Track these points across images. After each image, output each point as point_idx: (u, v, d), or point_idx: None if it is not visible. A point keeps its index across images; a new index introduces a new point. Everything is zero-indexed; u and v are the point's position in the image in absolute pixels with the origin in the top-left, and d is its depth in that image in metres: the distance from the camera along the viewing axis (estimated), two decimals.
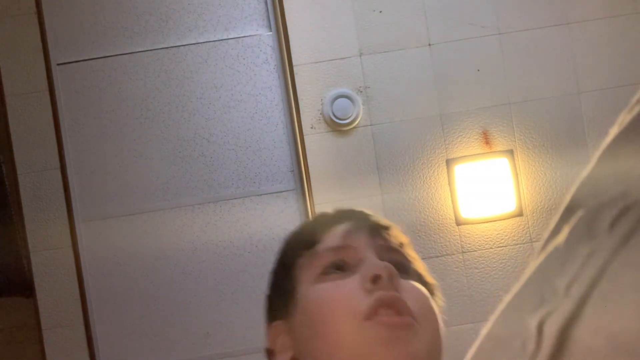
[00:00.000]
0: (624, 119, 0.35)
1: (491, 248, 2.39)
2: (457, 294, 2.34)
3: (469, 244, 2.38)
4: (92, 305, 2.37)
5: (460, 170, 2.37)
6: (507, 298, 0.35)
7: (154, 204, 2.40)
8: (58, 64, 2.42)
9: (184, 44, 2.45)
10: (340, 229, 0.88)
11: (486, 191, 2.37)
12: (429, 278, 0.90)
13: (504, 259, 2.39)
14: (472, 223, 2.38)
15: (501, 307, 0.35)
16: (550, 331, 0.31)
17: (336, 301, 0.81)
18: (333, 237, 0.87)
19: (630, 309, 0.29)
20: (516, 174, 2.39)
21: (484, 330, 0.35)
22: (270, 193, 2.41)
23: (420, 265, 0.90)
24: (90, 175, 2.42)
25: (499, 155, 2.39)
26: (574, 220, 0.34)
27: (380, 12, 2.42)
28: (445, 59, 2.41)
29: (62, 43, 2.44)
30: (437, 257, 2.36)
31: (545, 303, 0.32)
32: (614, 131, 0.35)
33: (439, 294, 0.92)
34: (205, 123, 2.43)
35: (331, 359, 0.79)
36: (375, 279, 0.80)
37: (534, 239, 2.39)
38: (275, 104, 2.44)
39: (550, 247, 0.34)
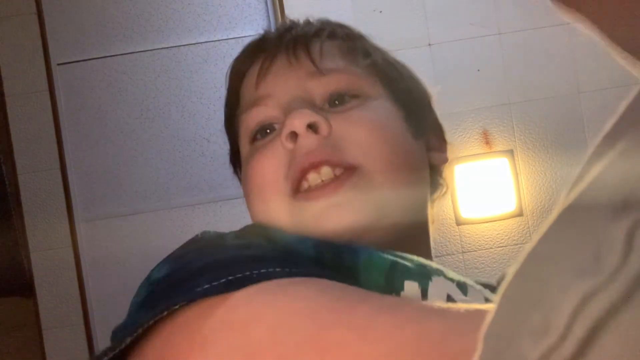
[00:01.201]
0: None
1: (491, 248, 2.39)
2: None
3: (469, 244, 2.38)
4: (92, 305, 2.37)
5: (460, 170, 2.37)
6: (564, 206, 0.26)
7: (153, 204, 2.40)
8: (58, 64, 2.42)
9: (184, 44, 2.45)
10: (253, 72, 0.73)
11: (486, 191, 2.37)
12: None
13: (504, 259, 2.39)
14: (472, 223, 2.38)
15: (555, 217, 0.26)
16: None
17: (260, 180, 0.70)
18: (250, 87, 0.73)
19: None
20: (516, 174, 2.39)
21: (527, 249, 0.26)
22: None
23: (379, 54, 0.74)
24: (90, 175, 2.42)
25: (499, 155, 2.39)
26: None
27: (380, 12, 2.42)
28: (445, 59, 2.41)
29: (62, 43, 2.44)
30: (437, 257, 2.35)
31: (637, 205, 0.23)
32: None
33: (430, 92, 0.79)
34: (205, 123, 2.43)
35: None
36: (290, 138, 0.66)
37: None
38: None
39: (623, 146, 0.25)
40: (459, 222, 2.37)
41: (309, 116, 0.65)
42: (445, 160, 0.78)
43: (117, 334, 0.61)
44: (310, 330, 0.48)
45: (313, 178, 0.65)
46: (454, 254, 2.38)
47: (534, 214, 2.39)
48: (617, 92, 2.38)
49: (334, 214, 0.63)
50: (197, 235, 0.69)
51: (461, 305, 0.47)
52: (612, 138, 0.26)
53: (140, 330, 0.56)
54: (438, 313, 0.47)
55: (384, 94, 0.73)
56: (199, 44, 2.45)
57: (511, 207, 2.37)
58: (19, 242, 2.36)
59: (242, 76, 0.75)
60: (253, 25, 2.46)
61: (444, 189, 0.78)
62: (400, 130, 0.70)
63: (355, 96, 0.70)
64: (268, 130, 0.70)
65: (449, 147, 0.80)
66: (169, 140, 2.43)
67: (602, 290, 0.22)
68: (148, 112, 2.43)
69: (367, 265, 0.58)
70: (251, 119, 0.71)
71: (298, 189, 0.66)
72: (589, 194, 0.25)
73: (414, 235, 0.72)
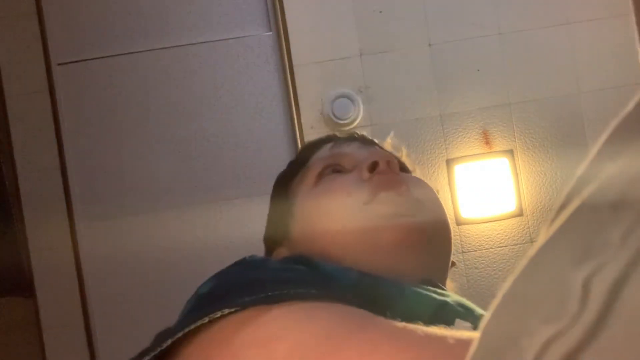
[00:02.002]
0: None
1: (491, 248, 2.39)
2: (457, 293, 2.34)
3: (469, 244, 2.38)
4: (92, 305, 2.37)
5: (460, 170, 2.37)
6: (535, 250, 0.29)
7: (154, 204, 2.40)
8: (58, 64, 2.42)
9: (184, 44, 2.45)
10: (330, 144, 0.89)
11: (486, 191, 2.37)
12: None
13: (504, 259, 2.39)
14: (472, 223, 2.38)
15: (528, 260, 0.29)
16: (600, 289, 0.26)
17: (335, 192, 0.80)
18: (324, 150, 0.88)
19: None
20: (516, 174, 2.39)
21: (504, 289, 0.30)
22: (270, 193, 2.41)
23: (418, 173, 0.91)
24: (90, 175, 2.42)
25: (499, 155, 2.39)
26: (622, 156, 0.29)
27: (380, 12, 2.42)
28: (445, 59, 2.41)
29: (62, 43, 2.44)
30: None
31: (593, 256, 0.27)
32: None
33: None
34: (205, 123, 2.43)
35: (336, 246, 0.78)
36: (373, 166, 0.80)
37: (534, 239, 2.39)
38: (275, 104, 2.44)
39: (586, 194, 0.29)
40: (459, 222, 2.37)
41: (389, 155, 0.82)
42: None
43: (159, 337, 0.66)
44: (324, 352, 0.54)
45: (384, 195, 0.79)
46: (454, 254, 2.37)
47: (534, 214, 2.39)
48: (617, 92, 2.38)
49: (400, 220, 0.76)
50: (244, 258, 0.81)
51: (464, 332, 0.54)
52: (577, 189, 0.31)
53: (180, 334, 0.61)
54: (438, 339, 0.53)
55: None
56: (199, 44, 2.45)
57: (511, 207, 2.37)
58: (19, 242, 2.36)
59: (317, 146, 0.91)
60: (253, 25, 2.46)
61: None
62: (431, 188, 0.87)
63: (408, 171, 0.87)
64: (337, 170, 0.85)
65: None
66: (169, 140, 2.43)
67: (563, 335, 0.26)
68: (148, 112, 2.43)
69: (414, 301, 0.68)
70: (325, 161, 0.85)
71: (371, 201, 0.78)
72: (557, 238, 0.29)
73: (442, 266, 0.86)
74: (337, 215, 0.79)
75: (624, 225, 0.27)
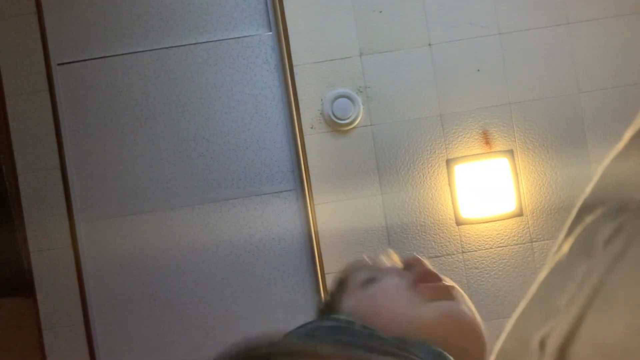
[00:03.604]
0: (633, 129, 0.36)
1: (491, 248, 2.39)
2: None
3: (469, 244, 2.38)
4: (92, 305, 2.37)
5: (460, 170, 2.37)
6: (516, 313, 0.36)
7: (154, 204, 2.40)
8: (58, 64, 2.42)
9: (184, 44, 2.45)
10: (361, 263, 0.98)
11: (486, 191, 2.37)
12: None
13: (504, 259, 2.39)
14: (472, 223, 2.38)
15: (511, 322, 0.36)
16: (551, 348, 0.32)
17: (395, 291, 0.88)
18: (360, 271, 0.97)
19: (622, 325, 0.30)
20: (516, 174, 2.39)
21: (498, 345, 0.37)
22: (270, 193, 2.41)
23: None
24: (90, 175, 2.42)
25: (499, 155, 2.39)
26: (574, 236, 0.35)
27: (380, 12, 2.42)
28: (445, 59, 2.41)
29: (62, 43, 2.44)
30: (437, 257, 2.36)
31: (547, 321, 0.33)
32: (626, 137, 0.36)
33: None
34: (205, 123, 2.43)
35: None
36: (408, 265, 0.91)
37: (534, 239, 2.39)
38: (275, 104, 2.44)
39: (553, 263, 0.36)
40: (459, 222, 2.37)
41: (430, 266, 0.90)
42: None
43: None
44: None
45: (443, 296, 0.86)
46: (454, 254, 2.38)
47: (534, 214, 2.39)
48: (617, 92, 2.38)
49: (467, 308, 0.86)
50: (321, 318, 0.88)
51: None
52: (566, 235, 0.36)
53: None
54: None
55: None
56: (199, 44, 2.45)
57: (511, 207, 2.37)
58: (19, 242, 2.36)
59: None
60: (253, 25, 2.46)
61: None
62: None
63: None
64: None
65: None
66: (169, 140, 2.43)
67: None
68: (148, 112, 2.43)
69: None
70: (364, 276, 0.95)
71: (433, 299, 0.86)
72: (529, 304, 0.36)
73: None
74: (393, 313, 0.87)
75: (568, 294, 0.33)
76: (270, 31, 2.45)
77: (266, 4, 2.45)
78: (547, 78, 2.41)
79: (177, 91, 2.44)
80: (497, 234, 2.39)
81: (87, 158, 2.42)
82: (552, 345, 0.32)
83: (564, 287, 0.33)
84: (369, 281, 0.95)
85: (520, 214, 2.38)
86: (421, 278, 0.90)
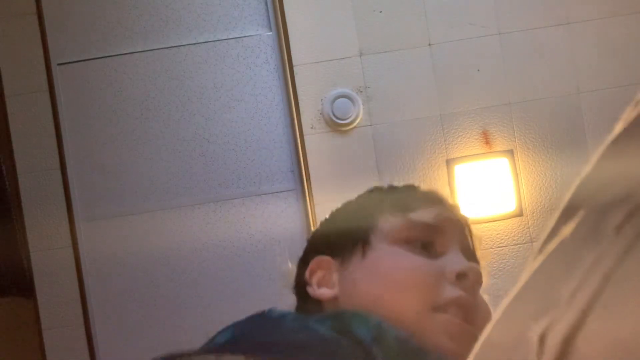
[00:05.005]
0: (629, 114, 0.34)
1: (491, 248, 2.39)
2: None
3: None
4: (92, 305, 2.37)
5: (460, 170, 2.37)
6: (507, 301, 0.34)
7: (154, 204, 2.40)
8: (58, 64, 2.42)
9: (184, 44, 2.45)
10: (437, 209, 0.87)
11: (486, 191, 2.37)
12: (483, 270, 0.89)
13: (504, 259, 2.39)
14: (472, 223, 2.37)
15: (502, 310, 0.34)
16: (553, 342, 0.30)
17: (413, 275, 0.79)
18: (429, 213, 0.85)
19: (633, 318, 0.28)
20: (516, 174, 2.39)
21: (485, 334, 0.34)
22: (270, 193, 2.41)
23: (484, 259, 0.91)
24: (90, 175, 2.42)
25: (499, 155, 2.39)
26: (576, 221, 0.32)
27: (380, 12, 2.42)
28: (445, 59, 2.41)
29: (62, 43, 2.44)
30: None
31: (547, 312, 0.31)
32: (618, 127, 0.33)
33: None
34: (205, 123, 2.43)
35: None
36: (462, 277, 0.79)
37: (534, 239, 2.39)
38: (275, 104, 2.44)
39: (551, 249, 0.32)
40: None
41: (479, 274, 0.81)
42: None
43: None
44: None
45: (452, 310, 0.77)
46: None
47: (534, 214, 2.39)
48: (617, 92, 2.38)
49: (453, 344, 0.75)
50: (263, 311, 0.79)
51: None
52: (560, 224, 0.34)
53: None
54: None
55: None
56: (199, 44, 2.45)
57: (511, 207, 2.37)
58: (19, 242, 2.36)
59: (427, 198, 0.88)
60: (253, 25, 2.46)
61: None
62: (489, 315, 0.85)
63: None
64: (425, 247, 0.83)
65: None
66: (169, 140, 2.43)
67: None
68: (148, 112, 2.43)
69: None
70: (422, 231, 0.83)
71: (440, 310, 0.77)
72: (522, 293, 0.33)
73: None
74: (403, 302, 0.78)
75: (572, 284, 0.30)
76: (270, 31, 2.45)
77: (266, 4, 2.45)
78: (547, 78, 2.41)
79: (177, 91, 2.44)
80: (497, 234, 2.39)
81: (87, 158, 2.42)
82: (554, 339, 0.30)
83: (567, 275, 0.31)
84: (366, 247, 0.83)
85: (520, 214, 2.38)
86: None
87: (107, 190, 2.41)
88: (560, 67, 2.41)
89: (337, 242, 0.86)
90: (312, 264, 0.86)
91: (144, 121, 2.43)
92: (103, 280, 2.38)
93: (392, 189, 0.92)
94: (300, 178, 2.40)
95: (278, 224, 2.38)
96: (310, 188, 2.38)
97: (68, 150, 2.40)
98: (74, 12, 2.45)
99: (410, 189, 0.92)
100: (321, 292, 0.83)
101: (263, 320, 0.77)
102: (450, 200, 0.92)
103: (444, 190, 2.38)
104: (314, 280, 0.84)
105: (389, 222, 0.83)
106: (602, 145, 0.33)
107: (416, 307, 0.77)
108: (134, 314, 2.37)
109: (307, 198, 2.38)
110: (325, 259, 0.85)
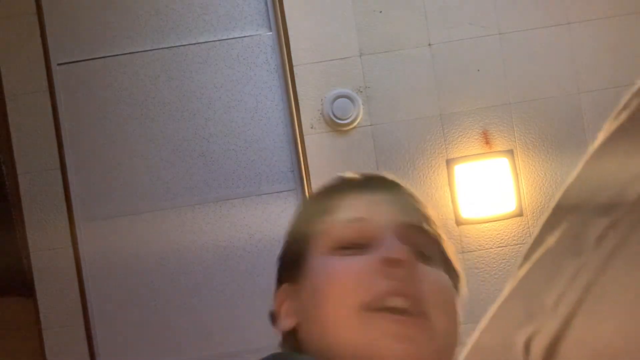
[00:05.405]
0: (609, 126, 0.36)
1: (491, 248, 2.39)
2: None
3: (469, 244, 2.38)
4: (92, 305, 2.37)
5: (460, 170, 2.37)
6: (494, 308, 0.34)
7: (154, 204, 2.40)
8: (58, 64, 2.42)
9: (184, 44, 2.45)
10: (363, 199, 0.79)
11: (486, 191, 2.37)
12: (456, 265, 0.82)
13: (504, 259, 2.39)
14: (472, 223, 2.38)
15: (488, 317, 0.34)
16: (537, 350, 0.30)
17: (340, 280, 0.73)
18: (354, 207, 0.79)
19: (613, 326, 0.29)
20: (516, 174, 2.39)
21: (473, 339, 0.34)
22: (270, 193, 2.41)
23: (450, 250, 0.82)
24: (90, 175, 2.42)
25: (499, 155, 2.39)
26: (559, 232, 0.33)
27: (380, 12, 2.42)
28: (445, 59, 2.41)
29: (62, 43, 2.44)
30: None
31: (532, 320, 0.31)
32: (600, 137, 0.34)
33: (462, 284, 0.85)
34: (205, 123, 2.43)
35: (328, 339, 0.72)
36: (392, 263, 0.72)
37: None
38: (275, 104, 2.44)
39: (535, 258, 0.34)
40: (459, 222, 2.37)
41: (410, 254, 0.73)
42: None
43: None
44: None
45: (391, 301, 0.70)
46: None
47: (534, 214, 2.39)
48: (617, 92, 2.38)
49: (401, 345, 0.69)
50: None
51: None
52: (545, 232, 0.35)
53: None
54: None
55: (442, 266, 0.79)
56: (199, 44, 2.45)
57: (511, 207, 2.37)
58: (19, 242, 2.36)
59: (345, 194, 0.81)
60: (253, 25, 2.46)
61: None
62: (455, 298, 0.79)
63: (430, 259, 0.77)
64: (354, 245, 0.76)
65: (461, 283, 0.85)
66: (169, 140, 2.43)
67: None
68: (148, 112, 2.43)
69: None
70: (346, 230, 0.76)
71: (374, 303, 0.71)
72: (509, 299, 0.34)
73: None
74: (336, 310, 0.72)
75: (556, 292, 0.31)
76: (270, 31, 2.45)
77: (266, 4, 2.46)
78: (547, 78, 2.41)
79: (177, 91, 2.44)
80: (497, 234, 2.39)
81: (87, 158, 2.42)
82: (539, 346, 0.30)
83: (550, 285, 0.31)
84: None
85: (520, 214, 2.38)
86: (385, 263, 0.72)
87: (107, 190, 2.41)
88: (560, 67, 2.41)
89: (285, 267, 0.83)
90: (277, 295, 0.82)
91: (144, 121, 2.43)
92: (103, 280, 2.38)
93: (326, 190, 0.85)
94: (300, 178, 2.40)
95: (278, 224, 2.38)
96: (310, 188, 2.38)
97: (68, 150, 2.40)
98: (74, 12, 2.45)
99: (343, 181, 0.85)
100: (284, 323, 0.79)
101: None
102: (386, 178, 0.85)
103: (444, 190, 2.38)
104: (282, 311, 0.80)
105: (320, 234, 0.78)
106: (585, 155, 0.34)
107: (345, 312, 0.71)
108: (134, 314, 2.37)
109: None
110: (284, 287, 0.82)
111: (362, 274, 0.72)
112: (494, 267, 2.38)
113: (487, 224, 2.39)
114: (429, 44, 2.42)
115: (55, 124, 2.39)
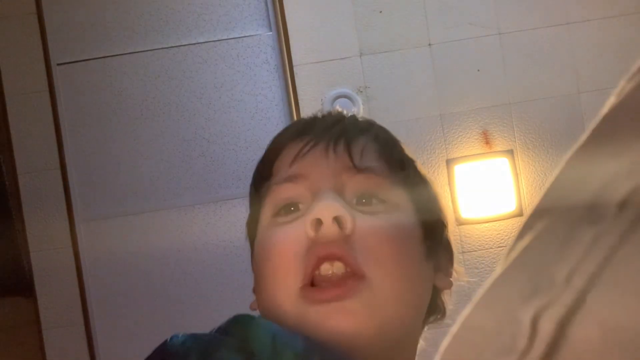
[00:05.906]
0: (623, 87, 0.32)
1: (491, 248, 2.39)
2: (457, 294, 2.34)
3: (469, 244, 2.38)
4: (92, 305, 2.37)
5: (460, 170, 2.37)
6: (490, 282, 0.31)
7: (154, 204, 2.40)
8: (58, 64, 2.42)
9: (184, 44, 2.45)
10: (293, 151, 0.73)
11: (486, 191, 2.37)
12: (441, 205, 0.77)
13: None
14: (472, 223, 2.38)
15: (484, 292, 0.31)
16: (547, 326, 0.27)
17: (276, 259, 0.68)
18: (285, 163, 0.72)
19: (635, 303, 0.26)
20: (516, 174, 2.39)
21: (463, 317, 0.31)
22: None
23: (414, 167, 0.77)
24: (90, 175, 2.42)
25: (499, 155, 2.39)
26: (572, 202, 0.30)
27: (380, 12, 2.42)
28: (445, 59, 2.41)
29: (62, 43, 2.44)
30: None
31: (540, 294, 0.28)
32: (583, 136, 0.31)
33: (449, 220, 0.79)
34: (205, 123, 2.43)
35: (272, 318, 0.69)
36: (317, 225, 0.65)
37: None
38: (275, 104, 2.44)
39: (541, 227, 0.31)
40: (459, 222, 2.37)
41: (337, 209, 0.66)
42: (450, 285, 0.79)
43: None
44: None
45: (325, 268, 0.65)
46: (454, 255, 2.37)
47: None
48: None
49: (338, 317, 0.64)
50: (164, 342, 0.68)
51: None
52: (534, 218, 0.32)
53: None
54: None
55: (408, 208, 0.72)
56: (199, 44, 2.45)
57: (511, 207, 2.37)
58: (19, 242, 2.36)
59: (281, 150, 0.75)
60: (253, 25, 2.46)
61: (441, 314, 0.78)
62: (415, 250, 0.70)
63: (382, 201, 0.70)
64: (292, 208, 0.70)
65: (456, 272, 0.80)
66: (169, 140, 2.43)
67: None
68: (148, 112, 2.43)
69: None
70: (280, 193, 0.70)
71: (310, 276, 0.66)
72: (510, 272, 0.31)
73: (403, 353, 0.72)
74: (273, 293, 0.69)
75: (568, 264, 0.28)
76: (270, 31, 2.45)
77: (266, 4, 2.46)
78: (547, 78, 2.41)
79: (177, 91, 2.44)
80: (497, 234, 2.39)
81: (87, 158, 2.42)
82: (549, 323, 0.27)
83: (562, 256, 0.28)
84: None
85: (520, 214, 2.38)
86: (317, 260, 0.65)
87: (107, 190, 2.41)
88: (560, 67, 2.41)
89: (251, 239, 0.79)
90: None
91: (144, 121, 2.43)
92: (103, 280, 2.38)
93: (275, 141, 0.79)
94: None
95: None
96: None
97: (68, 150, 2.40)
98: (74, 12, 2.45)
99: (281, 133, 0.79)
100: (251, 302, 0.76)
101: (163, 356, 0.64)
102: (327, 115, 0.78)
103: (443, 191, 2.38)
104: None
105: (264, 199, 0.73)
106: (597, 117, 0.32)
107: (283, 296, 0.67)
108: (134, 314, 2.37)
109: None
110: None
111: (294, 244, 0.66)
112: (494, 267, 2.38)
113: (487, 224, 2.39)
114: (429, 44, 2.42)
115: (55, 124, 2.39)
